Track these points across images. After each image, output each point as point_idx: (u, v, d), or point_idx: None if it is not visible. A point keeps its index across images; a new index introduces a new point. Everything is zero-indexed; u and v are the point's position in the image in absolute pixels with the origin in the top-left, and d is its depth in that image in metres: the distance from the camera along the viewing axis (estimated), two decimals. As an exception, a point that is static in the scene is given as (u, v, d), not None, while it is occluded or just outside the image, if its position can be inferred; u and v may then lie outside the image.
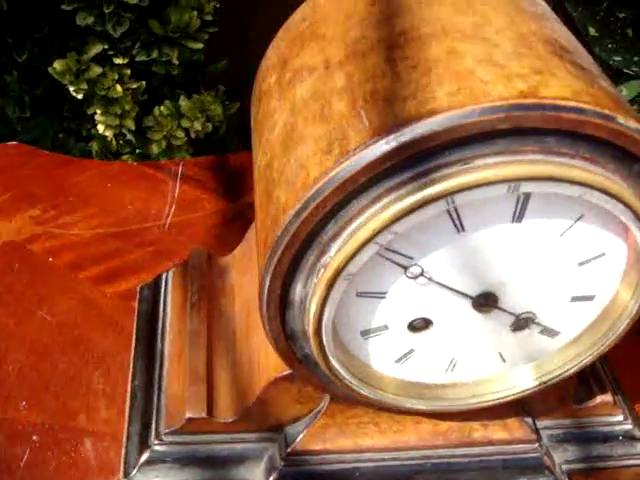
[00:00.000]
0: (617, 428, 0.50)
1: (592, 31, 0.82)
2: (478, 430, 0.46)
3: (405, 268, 0.34)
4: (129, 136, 1.02)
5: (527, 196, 0.32)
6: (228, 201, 0.65)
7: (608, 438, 0.49)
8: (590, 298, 0.38)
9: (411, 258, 0.34)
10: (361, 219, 0.31)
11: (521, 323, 0.38)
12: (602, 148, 0.32)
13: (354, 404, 0.43)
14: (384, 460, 0.45)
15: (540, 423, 0.48)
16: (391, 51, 0.34)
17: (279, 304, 0.35)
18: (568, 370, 0.40)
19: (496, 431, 0.46)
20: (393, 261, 0.34)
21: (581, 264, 0.36)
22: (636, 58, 0.82)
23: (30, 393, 0.51)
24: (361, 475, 0.45)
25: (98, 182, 0.66)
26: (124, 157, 1.04)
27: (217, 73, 1.10)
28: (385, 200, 0.31)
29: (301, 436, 0.44)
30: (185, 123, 1.01)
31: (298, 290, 0.34)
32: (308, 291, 0.34)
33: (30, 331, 0.54)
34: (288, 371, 0.41)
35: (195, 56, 1.02)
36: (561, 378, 0.41)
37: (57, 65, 0.94)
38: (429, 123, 0.30)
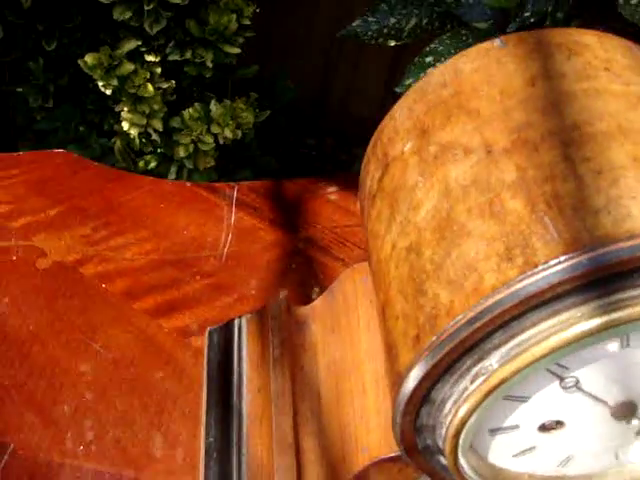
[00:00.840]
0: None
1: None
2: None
3: (561, 379, 0.32)
4: (154, 136, 0.98)
5: None
6: (286, 232, 0.62)
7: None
8: None
9: (567, 368, 0.32)
10: (533, 331, 0.29)
11: (649, 429, 0.37)
12: None
13: (453, 488, 0.41)
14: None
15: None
16: (567, 148, 0.31)
17: (414, 402, 0.33)
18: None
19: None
20: (550, 370, 0.32)
21: None
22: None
23: (87, 437, 0.47)
24: None
25: (151, 201, 0.62)
26: (147, 157, 1.00)
27: (246, 79, 1.05)
28: (564, 315, 0.29)
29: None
30: (215, 129, 0.97)
31: (443, 390, 0.32)
32: (453, 392, 0.32)
33: (84, 367, 0.51)
34: (395, 453, 0.38)
35: (229, 60, 0.98)
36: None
37: (88, 58, 0.89)
38: (630, 247, 0.27)
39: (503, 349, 0.30)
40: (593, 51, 0.37)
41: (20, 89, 0.94)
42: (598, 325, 0.28)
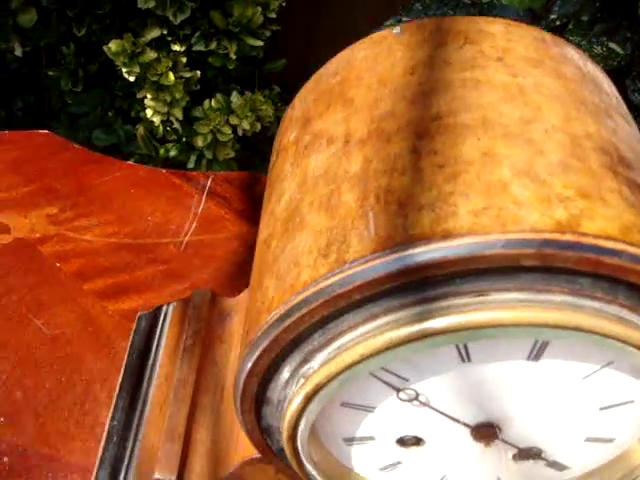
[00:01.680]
0: None
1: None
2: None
3: (398, 390, 0.29)
4: (176, 125, 0.99)
5: (544, 341, 0.27)
6: (252, 225, 0.61)
7: None
8: (609, 440, 0.33)
9: (406, 380, 0.29)
10: (350, 336, 0.27)
11: (524, 454, 0.33)
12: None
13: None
14: None
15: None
16: (419, 140, 0.29)
17: (254, 400, 0.31)
18: (573, 510, 0.35)
19: None
20: (384, 381, 0.29)
21: (603, 409, 0.31)
22: None
23: (10, 409, 0.48)
24: None
25: (123, 185, 0.63)
26: (169, 145, 1.01)
27: (274, 72, 1.05)
28: (380, 321, 0.26)
29: (273, 518, 0.40)
30: (233, 120, 0.98)
31: (276, 391, 0.30)
32: (287, 394, 0.30)
33: (22, 341, 0.52)
34: (260, 456, 0.36)
35: (254, 52, 0.98)
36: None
37: (112, 45, 0.91)
38: (443, 248, 0.25)
39: (324, 352, 0.28)
40: (493, 40, 0.34)
41: (53, 72, 0.98)
42: (410, 334, 0.26)
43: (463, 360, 0.28)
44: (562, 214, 0.25)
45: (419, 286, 0.26)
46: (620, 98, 0.37)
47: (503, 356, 0.28)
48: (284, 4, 0.98)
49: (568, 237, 0.25)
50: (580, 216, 0.25)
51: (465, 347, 0.28)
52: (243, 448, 0.38)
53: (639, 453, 0.33)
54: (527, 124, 0.29)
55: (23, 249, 0.57)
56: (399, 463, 0.34)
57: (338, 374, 0.27)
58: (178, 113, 0.97)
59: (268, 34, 0.98)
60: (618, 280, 0.26)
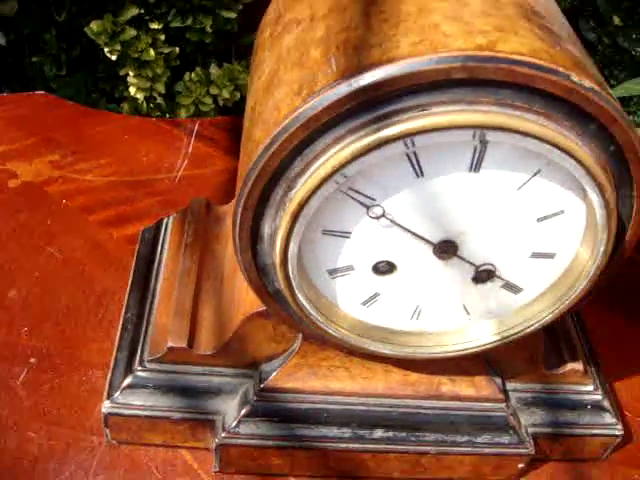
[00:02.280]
0: (586, 397, 0.52)
1: (616, 20, 0.83)
2: (446, 384, 0.49)
3: (367, 207, 0.37)
4: (159, 100, 1.06)
5: (484, 146, 0.35)
6: (238, 160, 0.68)
7: (576, 406, 0.52)
8: (551, 256, 0.40)
9: (373, 199, 0.37)
10: (324, 157, 0.34)
11: (482, 275, 0.41)
12: (557, 105, 0.34)
13: (325, 345, 0.46)
14: (352, 404, 0.48)
15: (509, 385, 0.51)
16: (369, 6, 0.37)
17: (250, 237, 0.38)
18: (529, 327, 0.43)
19: (463, 387, 0.49)
20: (356, 200, 0.37)
21: (540, 220, 0.38)
22: (662, 49, 0.83)
23: (32, 321, 0.55)
24: (329, 416, 0.48)
25: (117, 134, 0.70)
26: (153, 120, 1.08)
27: (249, 45, 1.13)
28: (347, 140, 0.34)
29: (274, 373, 0.47)
30: (214, 90, 1.05)
31: (268, 224, 0.38)
32: (276, 224, 0.37)
33: (38, 265, 0.59)
34: (263, 307, 0.44)
35: (228, 26, 1.06)
36: (522, 335, 0.43)
37: (93, 25, 0.99)
38: (388, 69, 0.32)
39: (304, 176, 0.35)
40: None
41: (36, 59, 1.05)
42: (368, 143, 0.33)
43: (417, 175, 0.36)
44: (482, 40, 0.33)
45: (373, 105, 0.33)
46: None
47: (449, 168, 0.36)
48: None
49: (486, 53, 0.32)
50: (496, 41, 0.33)
51: (417, 161, 0.35)
52: (244, 308, 0.46)
53: (576, 268, 0.41)
54: (455, -13, 0.37)
55: (31, 190, 0.64)
56: (377, 295, 0.42)
57: (316, 189, 0.35)
58: (161, 87, 1.04)
59: (240, 7, 1.06)
60: (533, 90, 0.33)
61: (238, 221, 0.37)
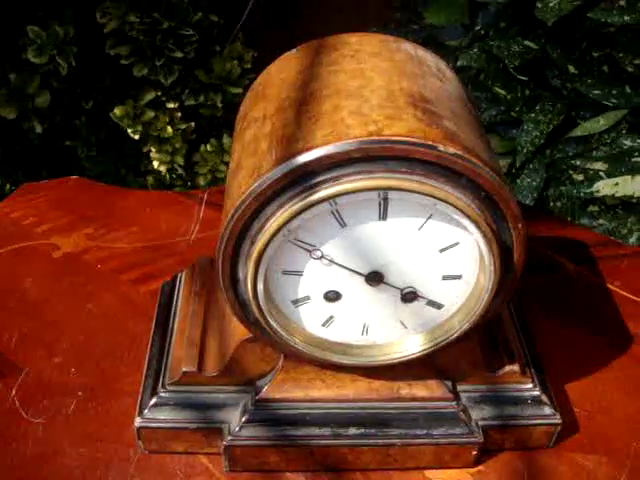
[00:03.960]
0: (526, 394, 0.67)
1: (572, 69, 1.00)
2: (404, 388, 0.65)
3: (310, 252, 0.55)
4: (180, 170, 1.27)
5: (385, 202, 0.52)
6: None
7: (518, 401, 0.67)
8: (458, 277, 0.57)
9: (313, 245, 0.55)
10: (273, 218, 0.52)
11: (408, 296, 0.58)
12: (433, 168, 0.51)
13: (302, 361, 0.63)
14: (329, 409, 0.65)
15: (460, 387, 0.67)
16: (301, 107, 0.55)
17: (230, 280, 0.56)
18: (452, 335, 0.59)
19: (419, 390, 0.65)
20: (301, 247, 0.54)
21: (442, 250, 0.55)
22: (614, 91, 0.99)
23: (78, 363, 0.74)
24: (311, 419, 0.65)
25: (140, 207, 0.90)
26: (176, 189, 1.29)
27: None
28: (286, 205, 0.52)
29: (266, 387, 0.65)
30: (227, 158, 1.25)
31: (241, 269, 0.56)
32: (246, 269, 0.55)
33: (80, 319, 0.78)
34: (249, 335, 0.62)
35: (236, 99, 1.27)
36: (449, 341, 0.60)
37: (117, 111, 1.20)
38: (308, 155, 0.50)
39: (260, 234, 0.53)
40: (350, 46, 0.60)
41: (69, 143, 1.27)
42: (302, 205, 0.51)
43: (341, 225, 0.53)
44: (373, 128, 0.51)
45: (301, 180, 0.51)
46: (446, 70, 0.63)
47: (364, 219, 0.53)
48: (256, 55, 1.27)
49: (374, 137, 0.50)
50: (383, 127, 0.51)
51: (340, 216, 0.53)
52: (237, 337, 0.64)
53: (479, 286, 0.57)
54: (362, 88, 0.55)
55: (71, 259, 0.84)
56: (332, 317, 0.59)
57: (269, 241, 0.53)
58: (180, 160, 1.25)
59: (246, 82, 1.27)
60: (412, 159, 0.51)
61: (220, 269, 0.56)
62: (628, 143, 0.98)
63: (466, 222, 0.53)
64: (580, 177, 0.97)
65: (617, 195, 0.95)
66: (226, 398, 0.66)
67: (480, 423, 0.66)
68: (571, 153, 1.00)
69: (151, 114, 1.21)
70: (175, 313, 0.72)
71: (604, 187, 0.96)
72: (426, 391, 0.65)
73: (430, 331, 0.60)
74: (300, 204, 0.51)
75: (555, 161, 1.03)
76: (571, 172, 0.98)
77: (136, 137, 1.22)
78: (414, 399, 0.65)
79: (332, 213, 0.53)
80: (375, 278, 0.57)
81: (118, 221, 0.88)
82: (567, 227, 0.93)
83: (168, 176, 1.27)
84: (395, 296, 0.58)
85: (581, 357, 0.78)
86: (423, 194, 0.51)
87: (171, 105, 1.24)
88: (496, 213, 0.54)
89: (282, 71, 0.61)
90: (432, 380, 0.65)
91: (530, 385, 0.68)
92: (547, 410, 0.67)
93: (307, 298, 0.58)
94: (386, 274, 0.57)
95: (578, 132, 0.99)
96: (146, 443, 0.66)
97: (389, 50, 0.60)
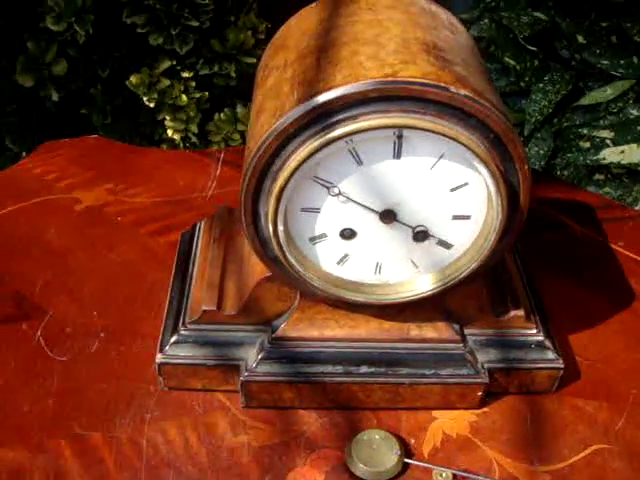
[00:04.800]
0: (530, 338, 0.72)
1: (580, 39, 1.04)
2: (414, 330, 0.70)
3: (328, 188, 0.59)
4: (194, 139, 1.32)
5: (400, 140, 0.57)
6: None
7: (523, 345, 0.72)
8: (467, 217, 0.62)
9: (331, 183, 0.59)
10: (293, 155, 0.57)
11: (420, 235, 0.62)
12: (445, 109, 0.56)
13: (317, 301, 0.67)
14: (342, 347, 0.69)
15: (467, 330, 0.71)
16: (320, 53, 0.59)
17: (252, 216, 0.61)
18: (460, 274, 0.64)
19: (428, 331, 0.70)
20: (320, 184, 0.59)
21: (452, 190, 0.60)
22: (622, 61, 1.03)
23: (100, 307, 0.79)
24: (324, 357, 0.69)
25: (158, 165, 0.95)
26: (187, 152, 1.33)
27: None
28: (307, 143, 0.56)
29: (282, 326, 0.69)
30: (240, 127, 1.30)
31: (262, 206, 0.60)
32: (267, 206, 0.59)
33: (102, 267, 0.83)
34: (269, 273, 0.66)
35: (250, 69, 1.31)
36: (457, 281, 0.64)
37: (133, 79, 1.25)
38: (327, 94, 0.55)
39: (281, 171, 0.58)
40: (367, 0, 0.65)
41: (85, 111, 1.32)
42: (321, 142, 0.55)
43: (358, 163, 0.58)
44: (389, 70, 0.55)
45: (321, 119, 0.56)
46: (457, 24, 0.67)
47: (380, 157, 0.58)
48: (270, 26, 1.31)
49: (390, 79, 0.54)
50: (399, 70, 0.55)
51: (357, 154, 0.57)
52: (255, 276, 0.68)
53: (487, 225, 0.61)
54: (378, 36, 0.59)
55: (92, 212, 0.89)
56: (347, 255, 0.64)
57: (290, 177, 0.57)
58: (194, 128, 1.30)
59: (260, 52, 1.31)
60: (426, 100, 0.55)
61: (242, 205, 0.60)
62: (635, 112, 1.02)
63: (475, 162, 0.57)
64: (587, 145, 1.01)
65: (622, 163, 0.99)
66: (244, 336, 0.70)
67: (486, 365, 0.70)
68: (578, 122, 1.04)
69: (166, 83, 1.26)
70: (195, 259, 0.77)
71: (610, 155, 1.00)
72: (435, 333, 0.70)
73: (440, 271, 0.65)
74: (319, 141, 0.56)
75: (562, 130, 1.07)
76: (578, 140, 1.02)
77: (151, 105, 1.27)
78: (423, 340, 0.70)
79: (349, 151, 0.57)
80: (389, 216, 0.61)
81: (137, 177, 0.93)
82: (574, 191, 0.97)
83: (182, 144, 1.32)
84: (407, 235, 0.62)
85: (584, 311, 0.83)
86: (435, 133, 0.55)
87: (186, 74, 1.29)
88: (504, 155, 0.58)
89: (302, 23, 0.65)
90: (441, 322, 0.70)
91: (534, 330, 0.72)
92: (550, 355, 0.72)
93: (324, 235, 0.62)
94: (399, 212, 0.61)
95: (586, 101, 1.03)
96: (166, 379, 0.71)
97: (404, 4, 0.65)
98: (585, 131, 1.03)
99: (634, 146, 1.00)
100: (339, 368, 0.69)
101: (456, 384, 0.70)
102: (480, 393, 0.70)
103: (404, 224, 0.62)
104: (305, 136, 0.56)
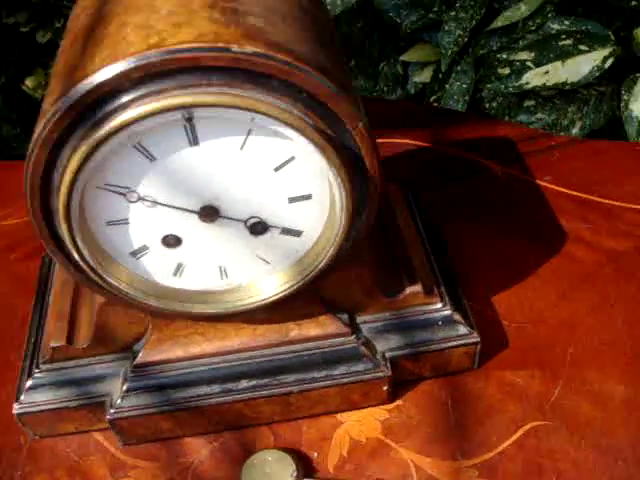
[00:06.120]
0: (436, 315, 0.60)
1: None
2: (294, 329, 0.58)
3: (125, 195, 0.47)
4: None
5: (191, 123, 0.44)
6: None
7: (428, 324, 0.59)
8: (308, 197, 0.49)
9: (127, 188, 0.47)
10: (69, 165, 0.44)
11: (257, 227, 0.50)
12: (233, 73, 0.43)
13: (171, 317, 0.56)
14: (214, 364, 0.58)
15: (359, 318, 0.59)
16: (90, 32, 0.47)
17: (52, 240, 0.49)
18: (320, 263, 0.51)
19: (310, 328, 0.58)
20: (114, 192, 0.47)
21: (277, 169, 0.47)
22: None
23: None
24: (196, 378, 0.58)
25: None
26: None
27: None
28: (78, 149, 0.44)
29: (142, 352, 0.58)
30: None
31: (58, 227, 0.48)
32: (61, 228, 0.47)
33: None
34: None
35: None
36: (318, 272, 0.52)
37: (29, 82, 1.12)
38: (83, 85, 0.42)
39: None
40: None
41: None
42: (88, 148, 0.43)
43: (150, 159, 0.45)
44: (154, 40, 0.42)
45: (90, 113, 0.43)
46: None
47: (173, 146, 0.45)
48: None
49: (153, 50, 0.42)
50: (166, 38, 0.42)
51: (143, 147, 0.45)
52: (97, 300, 0.56)
53: (334, 203, 0.49)
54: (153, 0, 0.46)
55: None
56: (182, 265, 0.52)
57: (70, 191, 0.45)
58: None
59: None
60: (205, 69, 0.42)
61: (37, 229, 0.48)
62: (555, 27, 0.87)
63: (289, 132, 0.44)
64: (507, 71, 0.87)
65: (548, 84, 0.85)
66: (105, 369, 0.59)
67: (387, 355, 0.59)
68: (495, 47, 0.90)
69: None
70: (52, 284, 0.65)
71: (533, 78, 0.86)
72: (318, 329, 0.58)
73: (296, 263, 0.53)
74: (89, 144, 0.43)
75: (482, 58, 0.93)
76: (497, 67, 0.88)
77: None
78: (306, 339, 0.58)
79: (135, 147, 0.45)
80: (210, 213, 0.49)
81: (5, 198, 0.81)
82: (496, 126, 0.83)
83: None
84: (242, 230, 0.50)
85: (511, 263, 0.70)
86: (226, 107, 0.43)
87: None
88: (330, 116, 0.46)
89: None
90: (323, 316, 0.58)
91: (439, 305, 0.60)
92: (462, 329, 0.60)
93: (145, 248, 0.50)
94: (222, 207, 0.49)
95: (500, 22, 0.89)
96: (34, 429, 0.60)
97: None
98: (504, 55, 0.88)
99: (558, 64, 0.85)
100: (215, 387, 0.58)
101: (354, 382, 0.58)
102: (386, 387, 0.58)
103: (232, 219, 0.49)
104: (75, 140, 0.44)
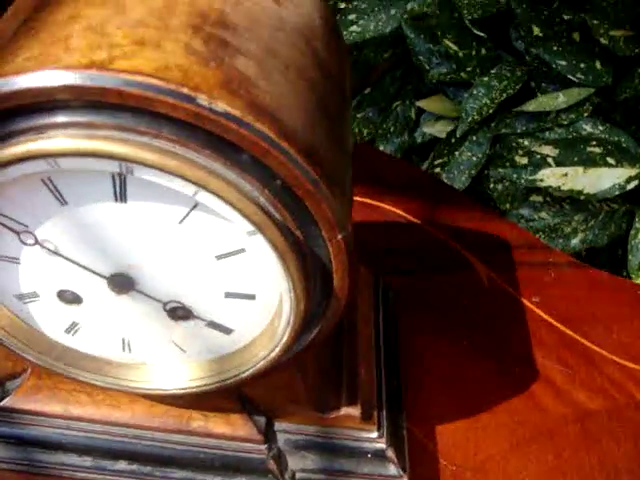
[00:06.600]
0: (367, 445, 0.48)
1: (536, 31, 0.76)
2: (198, 420, 0.45)
3: (18, 234, 0.34)
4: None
5: (121, 177, 0.31)
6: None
7: (355, 453, 0.47)
8: (251, 297, 0.36)
9: (26, 226, 0.34)
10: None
11: (177, 313, 0.37)
12: (194, 132, 0.30)
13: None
14: (95, 432, 0.45)
15: (279, 425, 0.47)
16: (34, 14, 0.33)
17: None
18: (245, 371, 0.39)
19: (217, 425, 0.45)
20: (7, 226, 0.34)
21: (220, 258, 0.34)
22: (582, 65, 0.75)
23: None
24: (69, 443, 0.45)
25: None
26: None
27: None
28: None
29: (12, 394, 0.45)
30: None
31: None
32: None
33: None
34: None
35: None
36: (241, 378, 0.39)
37: None
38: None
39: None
40: None
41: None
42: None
43: (61, 203, 0.32)
44: (102, 56, 0.29)
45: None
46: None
47: (93, 196, 0.32)
48: None
49: (92, 71, 0.29)
50: (119, 57, 0.29)
51: (55, 187, 0.32)
52: None
53: (282, 308, 0.36)
54: (129, -6, 0.33)
55: None
56: (76, 324, 0.39)
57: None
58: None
59: None
60: (157, 115, 0.30)
61: None
62: (588, 129, 0.75)
63: (244, 223, 0.31)
64: (524, 160, 0.75)
65: (563, 188, 0.73)
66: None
67: (298, 476, 0.46)
68: (519, 130, 0.78)
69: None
70: None
71: (550, 177, 0.74)
72: (227, 427, 0.45)
73: (220, 360, 0.40)
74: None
75: (501, 137, 0.81)
76: (514, 153, 0.76)
77: None
78: (209, 435, 0.45)
79: (44, 183, 0.32)
80: (123, 284, 0.36)
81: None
82: (496, 222, 0.71)
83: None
84: (158, 310, 0.37)
85: (469, 389, 0.58)
86: (167, 172, 0.30)
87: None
88: (303, 215, 0.33)
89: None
90: (236, 414, 0.45)
91: (374, 434, 0.48)
92: (392, 469, 0.48)
93: (35, 295, 0.37)
94: (138, 279, 0.36)
95: (532, 106, 0.76)
96: None
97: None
98: (526, 142, 0.76)
99: (579, 169, 0.73)
100: (87, 460, 0.45)
101: (249, 500, 0.46)
102: (284, 512, 0.46)
103: (148, 296, 0.36)
104: (-36, 149, 0.31)
